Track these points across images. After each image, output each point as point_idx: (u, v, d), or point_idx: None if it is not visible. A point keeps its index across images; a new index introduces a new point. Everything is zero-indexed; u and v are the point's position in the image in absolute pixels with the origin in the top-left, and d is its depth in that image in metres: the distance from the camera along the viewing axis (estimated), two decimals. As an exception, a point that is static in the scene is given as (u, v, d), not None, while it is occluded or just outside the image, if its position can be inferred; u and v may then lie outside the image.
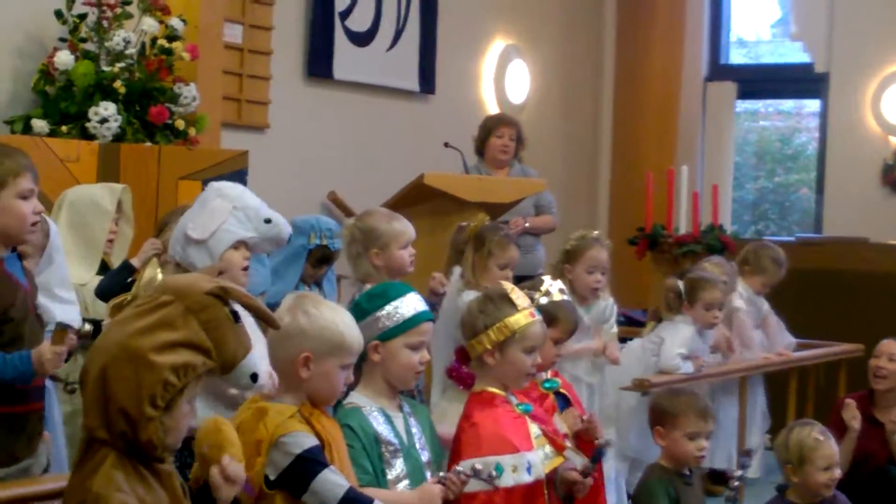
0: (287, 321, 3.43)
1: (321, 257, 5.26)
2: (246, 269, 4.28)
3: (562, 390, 4.67)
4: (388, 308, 3.87)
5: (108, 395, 2.78)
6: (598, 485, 4.44)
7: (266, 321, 3.15)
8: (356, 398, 3.84)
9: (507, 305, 4.15)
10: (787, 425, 6.80)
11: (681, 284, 6.36)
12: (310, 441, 3.40)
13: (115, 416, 2.78)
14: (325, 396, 3.57)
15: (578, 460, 4.31)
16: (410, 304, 3.93)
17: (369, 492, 3.64)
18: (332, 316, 3.54)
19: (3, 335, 3.80)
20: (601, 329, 5.97)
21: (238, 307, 3.00)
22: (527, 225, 7.75)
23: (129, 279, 4.96)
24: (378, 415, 3.81)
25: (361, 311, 3.88)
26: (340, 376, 3.54)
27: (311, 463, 3.37)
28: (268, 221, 4.30)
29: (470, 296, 5.25)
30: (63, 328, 3.86)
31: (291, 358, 3.46)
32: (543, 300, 4.61)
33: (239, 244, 4.25)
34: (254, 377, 3.05)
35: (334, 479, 3.39)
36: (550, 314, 4.54)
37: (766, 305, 7.45)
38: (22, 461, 3.88)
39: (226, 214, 4.23)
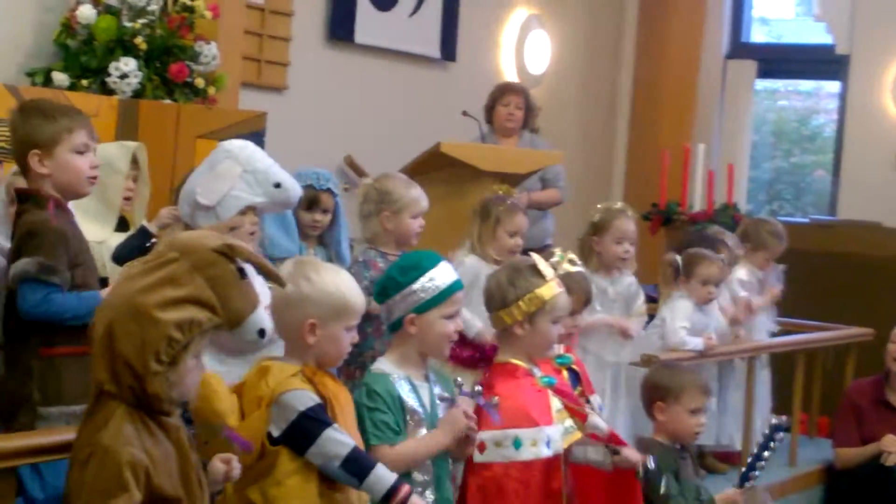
0: (290, 288, 3.44)
1: (309, 199, 5.26)
2: (253, 234, 4.25)
3: (574, 367, 4.68)
4: (423, 280, 3.87)
5: (115, 350, 2.84)
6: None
7: (272, 278, 3.20)
8: (384, 365, 3.88)
9: (535, 276, 4.18)
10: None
11: (679, 259, 6.37)
12: (312, 399, 3.43)
13: (122, 370, 2.83)
14: (331, 358, 3.59)
15: (602, 426, 4.34)
16: (444, 275, 3.93)
17: (400, 447, 3.72)
18: (334, 279, 3.56)
19: (75, 278, 3.93)
20: (631, 306, 5.99)
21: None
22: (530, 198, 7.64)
23: (147, 243, 4.95)
24: (404, 383, 3.84)
25: (396, 284, 3.90)
26: (346, 338, 3.57)
27: (314, 421, 3.40)
28: (277, 186, 4.23)
29: (473, 262, 5.27)
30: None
31: (297, 325, 3.47)
32: (560, 271, 4.62)
33: (247, 209, 4.21)
34: (261, 333, 3.10)
35: (339, 437, 3.42)
36: (563, 286, 4.56)
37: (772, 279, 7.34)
38: None
39: (235, 179, 4.18)
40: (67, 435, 3.55)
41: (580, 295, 4.73)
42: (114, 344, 2.84)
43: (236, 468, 3.18)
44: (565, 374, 4.59)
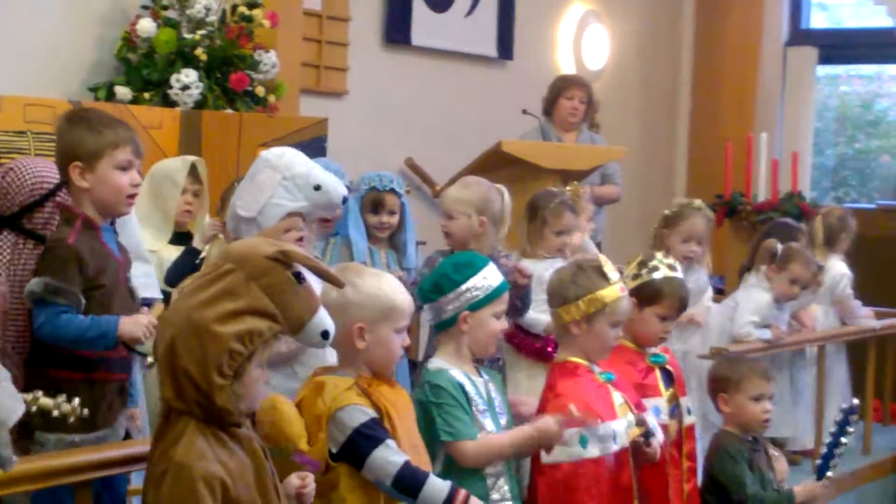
0: (334, 295, 3.41)
1: (373, 201, 5.29)
2: (300, 239, 4.10)
3: (668, 367, 4.64)
4: (478, 278, 3.91)
5: (177, 366, 2.82)
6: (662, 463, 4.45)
7: (329, 280, 3.18)
8: (439, 362, 3.89)
9: (599, 278, 4.15)
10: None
11: (779, 247, 6.31)
12: (365, 415, 3.40)
13: (186, 386, 2.82)
14: (384, 363, 3.58)
15: (657, 436, 4.33)
16: (495, 274, 3.97)
17: (490, 438, 3.78)
18: (378, 282, 3.55)
19: (93, 300, 3.77)
20: (699, 299, 5.94)
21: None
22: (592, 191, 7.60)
23: (196, 260, 4.92)
24: (463, 376, 3.85)
25: (451, 281, 3.92)
26: (396, 340, 3.57)
27: (366, 438, 3.37)
28: (317, 188, 4.11)
29: (525, 265, 5.26)
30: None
31: (346, 331, 3.43)
32: (657, 275, 4.60)
33: (289, 215, 4.09)
34: (324, 334, 3.09)
35: (389, 455, 3.38)
36: (658, 289, 4.54)
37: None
38: (100, 430, 3.83)
39: (274, 186, 4.07)
40: (133, 448, 3.60)
41: (674, 301, 4.64)
42: (176, 361, 2.82)
43: (311, 485, 3.16)
44: (658, 373, 4.57)
